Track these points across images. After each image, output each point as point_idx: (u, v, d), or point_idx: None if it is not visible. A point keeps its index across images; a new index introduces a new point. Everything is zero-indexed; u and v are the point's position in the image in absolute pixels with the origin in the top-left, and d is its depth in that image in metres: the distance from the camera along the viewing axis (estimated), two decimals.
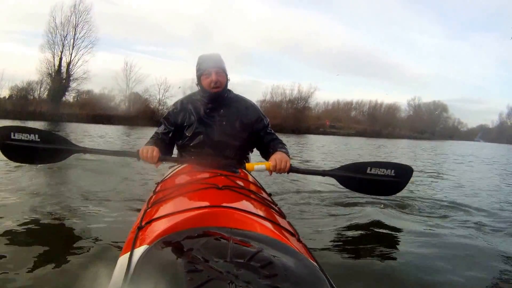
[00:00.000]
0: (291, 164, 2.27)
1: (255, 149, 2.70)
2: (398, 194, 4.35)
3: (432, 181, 6.45)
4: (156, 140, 2.47)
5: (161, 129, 2.53)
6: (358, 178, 2.47)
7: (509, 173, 9.64)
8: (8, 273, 1.81)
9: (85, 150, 2.55)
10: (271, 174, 2.29)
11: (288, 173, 2.29)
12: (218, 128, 2.42)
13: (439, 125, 76.39)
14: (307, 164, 7.86)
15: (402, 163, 2.60)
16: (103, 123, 29.88)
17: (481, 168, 10.89)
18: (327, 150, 14.40)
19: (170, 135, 2.51)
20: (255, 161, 2.41)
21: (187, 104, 2.51)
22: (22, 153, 2.56)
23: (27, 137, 2.54)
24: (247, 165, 2.26)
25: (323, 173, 2.53)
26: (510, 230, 3.23)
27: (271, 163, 2.22)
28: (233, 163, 2.35)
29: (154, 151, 2.21)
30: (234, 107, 2.49)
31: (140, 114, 33.66)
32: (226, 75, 2.45)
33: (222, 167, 2.15)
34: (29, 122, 22.07)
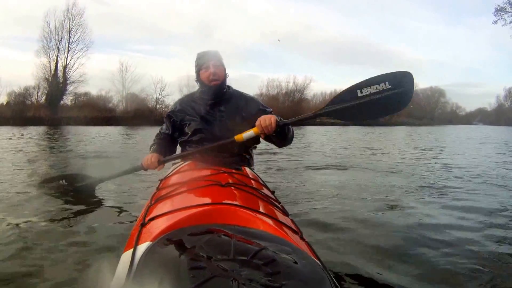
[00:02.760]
0: (277, 120, 2.18)
1: (266, 143, 2.60)
2: (404, 190, 4.42)
3: (435, 172, 6.31)
4: (159, 140, 2.56)
5: (163, 128, 2.58)
6: (353, 106, 2.20)
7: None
8: (11, 268, 1.83)
9: (102, 180, 3.19)
10: (263, 137, 2.25)
11: (278, 129, 2.19)
12: (219, 124, 2.43)
13: (437, 111, 76.76)
14: (310, 159, 7.70)
15: (396, 71, 2.25)
16: (101, 124, 30.19)
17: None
18: (323, 142, 14.24)
19: (172, 133, 2.55)
20: (258, 162, 2.37)
21: (188, 102, 2.54)
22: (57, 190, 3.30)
23: (57, 183, 3.29)
24: (236, 137, 2.23)
25: (314, 115, 2.34)
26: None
27: (256, 125, 2.18)
28: (236, 160, 2.38)
29: (153, 157, 2.39)
30: (234, 102, 2.50)
31: (138, 114, 33.78)
32: (225, 70, 2.47)
33: (225, 164, 2.18)
34: (29, 128, 22.29)
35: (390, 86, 2.16)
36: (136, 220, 1.55)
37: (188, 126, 2.48)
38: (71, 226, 2.57)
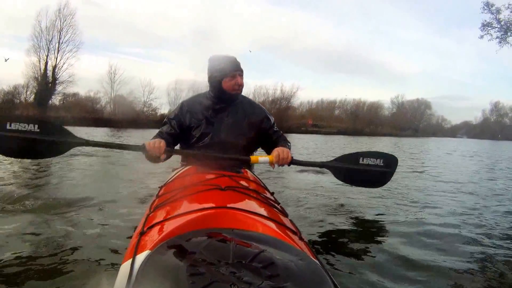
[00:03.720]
0: (292, 157, 2.30)
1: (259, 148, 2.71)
2: (403, 194, 4.61)
3: (428, 178, 6.58)
4: (160, 139, 2.43)
5: (165, 128, 2.49)
6: (351, 169, 2.56)
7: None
8: (9, 282, 1.78)
9: (87, 143, 2.36)
10: (274, 167, 2.32)
11: (289, 165, 2.33)
12: (225, 128, 2.43)
13: (423, 122, 78.37)
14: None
15: (388, 153, 2.69)
16: (89, 125, 30.74)
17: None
18: (312, 148, 14.86)
19: (174, 135, 2.48)
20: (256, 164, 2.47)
21: (194, 105, 2.51)
22: (19, 146, 2.35)
23: (25, 127, 2.32)
24: (252, 158, 2.27)
25: (321, 165, 2.57)
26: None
27: (273, 155, 2.25)
28: (236, 163, 2.36)
29: (161, 143, 2.17)
30: (240, 107, 2.50)
31: (125, 116, 34.00)
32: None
33: (225, 167, 2.17)
34: None
35: (382, 164, 2.60)
36: (135, 229, 1.55)
37: (195, 129, 2.46)
38: (68, 237, 2.51)
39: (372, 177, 2.62)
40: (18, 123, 2.34)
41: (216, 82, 2.40)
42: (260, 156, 2.28)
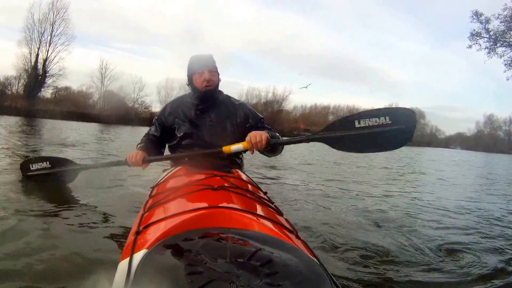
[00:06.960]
0: (268, 137, 2.14)
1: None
2: (401, 195, 4.62)
3: (425, 182, 6.73)
4: (146, 141, 2.54)
5: (152, 130, 2.57)
6: (349, 136, 2.12)
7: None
8: (6, 281, 1.78)
9: (86, 167, 3.05)
10: (252, 152, 2.22)
11: (268, 147, 2.15)
12: (208, 129, 2.43)
13: (417, 132, 78.89)
14: (294, 163, 7.98)
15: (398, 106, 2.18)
16: (77, 120, 30.69)
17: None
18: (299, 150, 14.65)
19: (160, 136, 2.55)
20: (248, 165, 2.32)
21: (178, 106, 2.53)
22: (42, 179, 3.17)
23: (41, 165, 3.14)
24: (224, 148, 2.21)
25: (307, 139, 2.26)
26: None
27: (246, 140, 2.15)
28: (227, 164, 2.37)
29: (138, 155, 2.33)
30: (224, 107, 2.50)
31: (114, 112, 34.10)
32: (218, 75, 2.47)
33: (215, 168, 2.16)
34: (3, 117, 22.64)
35: (390, 122, 2.07)
36: (130, 229, 1.55)
37: (178, 130, 2.48)
38: (64, 237, 2.50)
39: (380, 140, 2.11)
40: (36, 163, 3.22)
41: (189, 79, 2.45)
42: (232, 145, 2.20)
